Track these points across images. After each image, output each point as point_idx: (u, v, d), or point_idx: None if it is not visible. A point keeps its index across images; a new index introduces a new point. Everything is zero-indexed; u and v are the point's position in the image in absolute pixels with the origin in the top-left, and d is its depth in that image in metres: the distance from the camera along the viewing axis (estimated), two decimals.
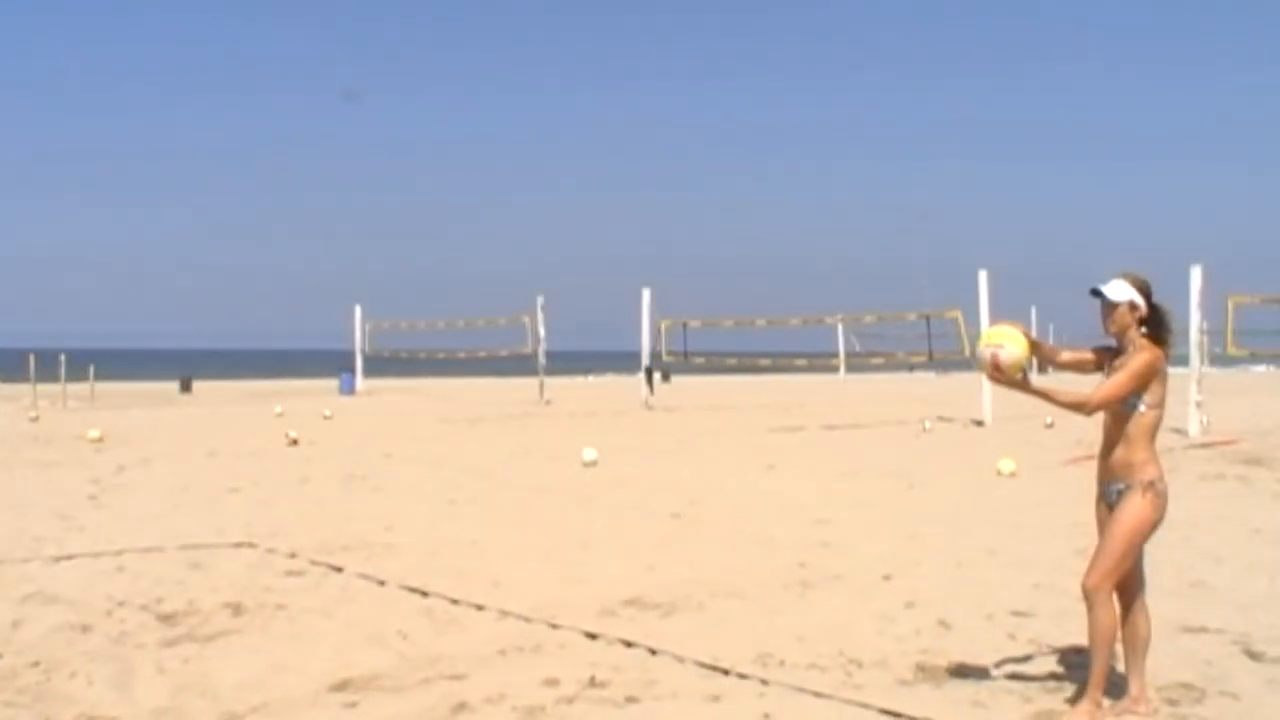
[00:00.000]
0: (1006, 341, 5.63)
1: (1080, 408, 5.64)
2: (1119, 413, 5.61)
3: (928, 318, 33.40)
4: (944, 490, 14.53)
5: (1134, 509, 5.57)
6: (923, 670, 6.52)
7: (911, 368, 57.56)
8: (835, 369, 51.02)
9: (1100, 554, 5.61)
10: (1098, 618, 5.58)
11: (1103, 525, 5.76)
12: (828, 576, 9.16)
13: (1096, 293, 5.70)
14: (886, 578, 9.07)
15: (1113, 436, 5.66)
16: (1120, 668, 5.91)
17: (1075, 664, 6.56)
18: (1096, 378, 5.77)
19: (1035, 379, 5.67)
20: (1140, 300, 5.64)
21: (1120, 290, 5.65)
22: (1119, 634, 5.70)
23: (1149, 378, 5.53)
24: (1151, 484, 5.57)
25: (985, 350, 5.67)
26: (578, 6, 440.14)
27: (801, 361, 49.32)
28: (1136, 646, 5.78)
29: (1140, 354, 5.55)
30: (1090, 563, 5.65)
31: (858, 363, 48.08)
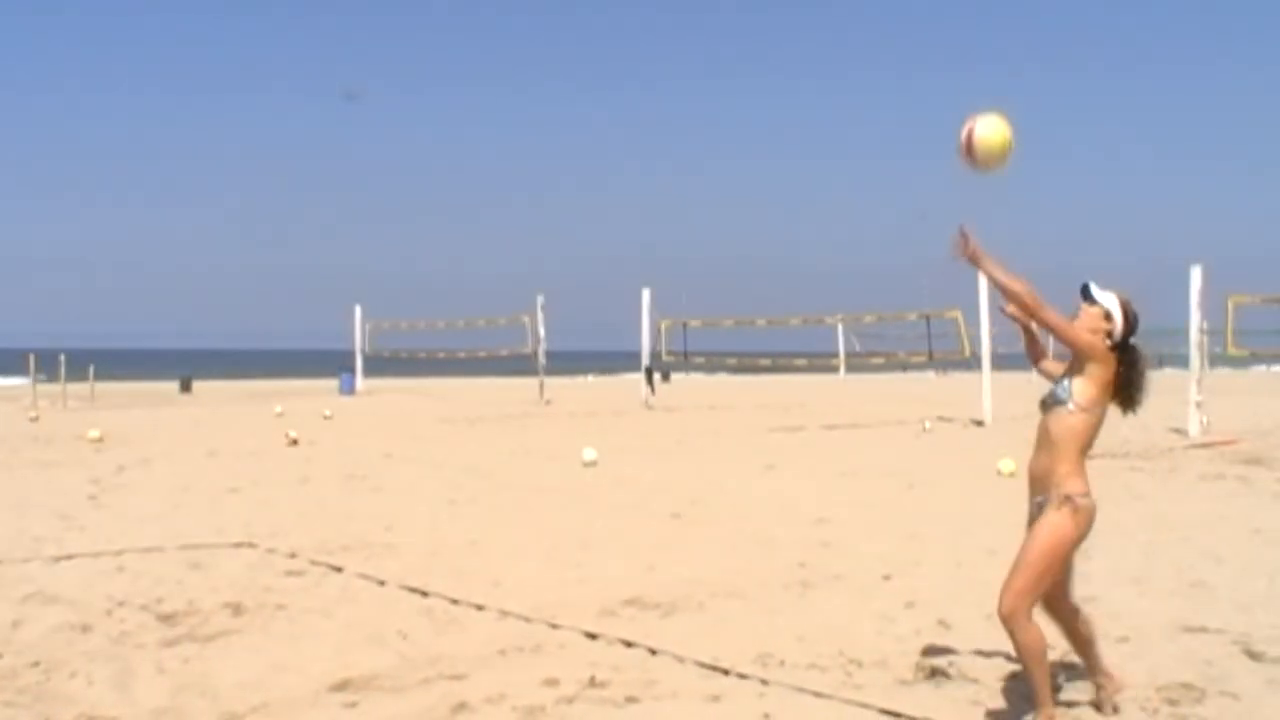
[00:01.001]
0: (991, 129, 5.37)
1: (1018, 295, 5.33)
2: (1048, 412, 5.45)
3: (928, 318, 33.46)
4: (944, 490, 14.54)
5: (1050, 526, 5.33)
6: (923, 670, 6.52)
7: (906, 368, 57.62)
8: (835, 369, 51.07)
9: (1014, 574, 5.35)
10: (1021, 641, 5.35)
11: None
12: (828, 576, 9.16)
13: (1085, 289, 5.54)
14: (886, 578, 9.07)
15: (1040, 440, 5.49)
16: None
17: (1075, 664, 6.56)
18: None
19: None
20: (1118, 317, 5.45)
21: (1105, 297, 5.50)
22: (1046, 646, 5.45)
23: (1083, 350, 5.35)
24: (1069, 498, 5.32)
25: (963, 128, 5.44)
26: (578, 6, 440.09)
27: (801, 361, 49.37)
28: (1086, 648, 5.73)
29: (1098, 343, 5.40)
30: (1004, 584, 5.38)
31: (858, 363, 48.14)
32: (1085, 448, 5.42)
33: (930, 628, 7.45)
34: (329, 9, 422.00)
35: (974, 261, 5.42)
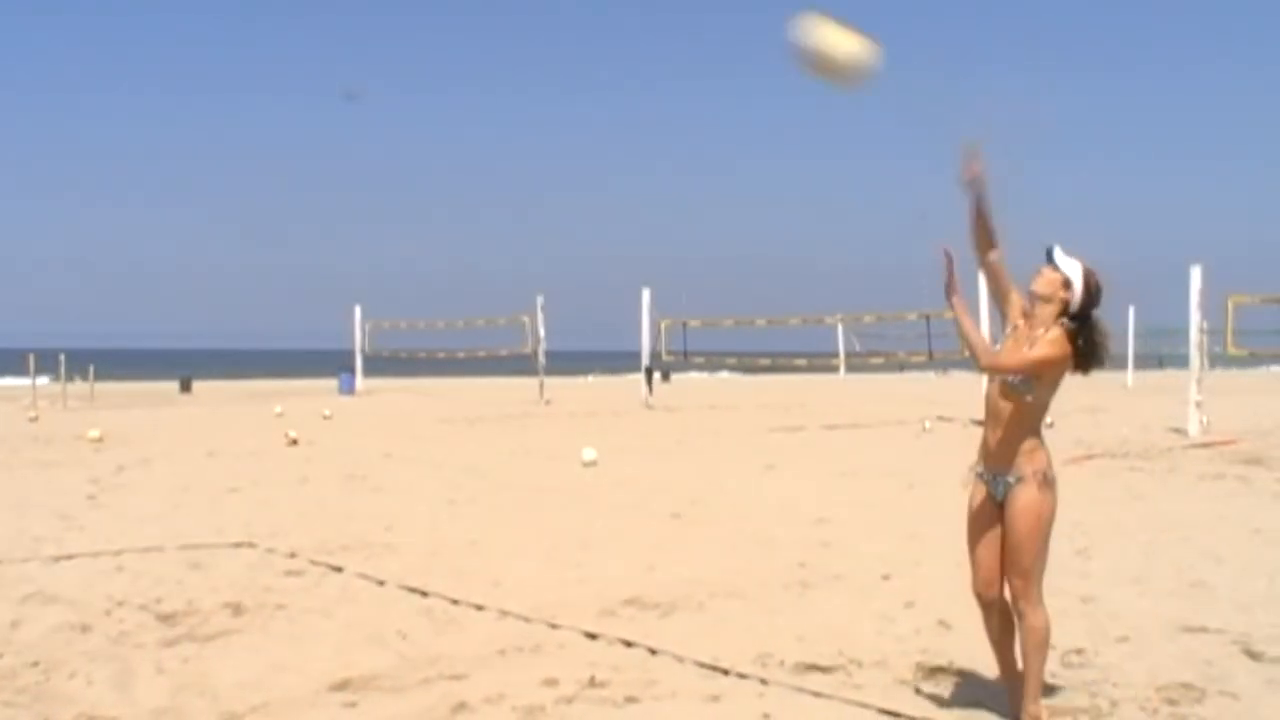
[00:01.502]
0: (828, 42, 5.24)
1: (978, 358, 5.31)
2: (1006, 394, 5.34)
3: (928, 318, 33.46)
4: (944, 490, 14.48)
5: (1032, 504, 5.32)
6: (922, 670, 6.52)
7: (905, 367, 57.60)
8: (835, 369, 51.01)
9: (1015, 562, 5.38)
10: (1029, 622, 5.39)
11: (980, 515, 5.51)
12: (827, 576, 9.16)
13: (1049, 252, 5.40)
14: (886, 577, 9.07)
15: (994, 416, 5.39)
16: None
17: (1074, 664, 6.57)
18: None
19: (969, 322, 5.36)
20: (1078, 288, 5.32)
21: (1067, 263, 5.36)
22: (1050, 634, 5.52)
23: (1052, 374, 5.29)
24: (1043, 473, 5.33)
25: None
26: (578, 6, 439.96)
27: (801, 361, 49.39)
28: (1003, 644, 5.67)
29: (1057, 345, 5.26)
30: (1008, 575, 5.43)
31: (857, 362, 48.15)
32: (1042, 419, 5.40)
33: (930, 627, 7.45)
34: (329, 9, 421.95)
35: (950, 301, 5.41)
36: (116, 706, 6.02)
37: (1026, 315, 5.44)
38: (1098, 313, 5.40)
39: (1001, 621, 5.63)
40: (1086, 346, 5.35)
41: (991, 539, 5.51)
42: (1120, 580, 8.90)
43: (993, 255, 5.47)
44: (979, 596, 5.62)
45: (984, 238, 5.42)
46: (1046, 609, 5.47)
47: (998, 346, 5.49)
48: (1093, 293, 5.37)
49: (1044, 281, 5.37)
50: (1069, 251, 5.43)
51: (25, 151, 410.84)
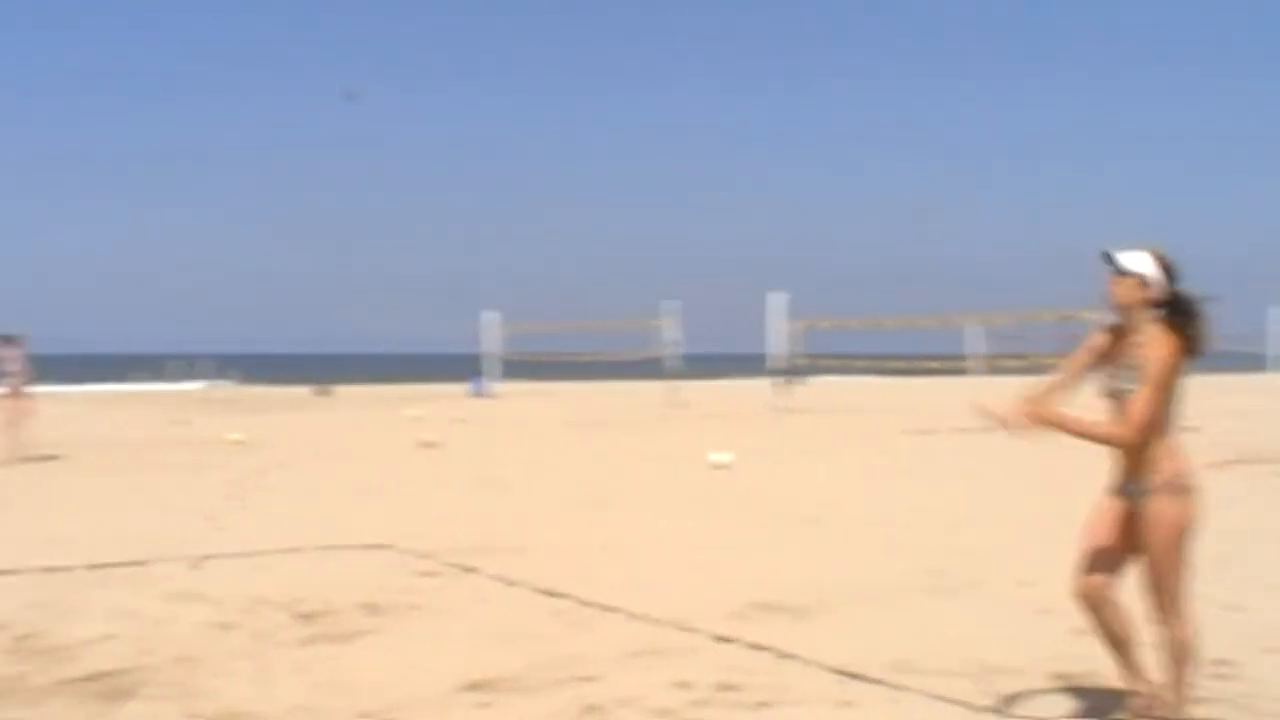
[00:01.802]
0: None
1: (1114, 441, 5.10)
2: (1124, 405, 5.08)
3: (1064, 318, 32.89)
4: (1082, 494, 14.16)
5: (1162, 516, 5.09)
6: (1059, 679, 6.39)
7: (1044, 369, 56.69)
8: (969, 371, 50.35)
9: (1151, 576, 5.18)
10: (1174, 637, 5.19)
11: (1106, 516, 5.32)
12: (962, 582, 9.04)
13: (1108, 257, 5.14)
14: (1022, 584, 8.92)
15: None
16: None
17: (1216, 674, 6.37)
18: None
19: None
20: (1156, 279, 5.06)
21: (1133, 260, 5.08)
22: (1199, 644, 5.31)
23: (1172, 379, 5.00)
24: (1169, 483, 5.07)
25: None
26: (721, 4, 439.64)
27: (935, 364, 48.86)
28: (1121, 648, 5.44)
29: (1154, 353, 4.98)
30: (1146, 590, 5.23)
31: (993, 365, 47.48)
32: (1168, 427, 5.12)
33: (1066, 635, 7.28)
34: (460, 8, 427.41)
35: (1051, 426, 5.27)
36: (257, 703, 6.16)
37: (1117, 334, 5.23)
38: (1181, 289, 5.13)
39: (1114, 624, 5.41)
40: (1187, 327, 5.07)
41: (1102, 546, 5.36)
42: (1268, 588, 8.64)
43: (1070, 378, 5.47)
44: (1076, 599, 5.46)
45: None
46: (1193, 621, 5.27)
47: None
48: (1170, 273, 5.12)
49: (1121, 291, 5.14)
50: (1125, 246, 5.18)
51: (148, 156, 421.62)
